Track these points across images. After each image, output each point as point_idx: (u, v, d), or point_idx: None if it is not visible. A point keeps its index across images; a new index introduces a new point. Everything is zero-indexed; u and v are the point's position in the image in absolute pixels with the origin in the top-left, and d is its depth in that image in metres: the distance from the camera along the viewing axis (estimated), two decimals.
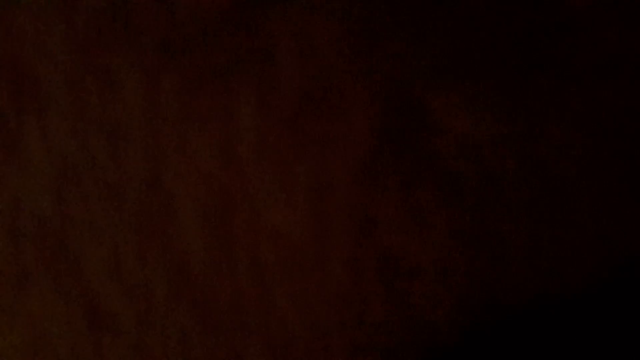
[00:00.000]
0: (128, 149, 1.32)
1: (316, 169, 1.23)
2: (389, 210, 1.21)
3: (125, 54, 1.29)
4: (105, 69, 1.31)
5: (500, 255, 1.21)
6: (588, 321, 1.20)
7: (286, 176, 1.25)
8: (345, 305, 1.29)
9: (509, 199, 1.17)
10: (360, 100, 1.20)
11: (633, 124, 1.13)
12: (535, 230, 1.17)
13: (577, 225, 1.16)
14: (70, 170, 1.37)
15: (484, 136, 1.16)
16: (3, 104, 1.41)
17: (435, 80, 1.16)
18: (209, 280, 1.30)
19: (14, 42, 1.38)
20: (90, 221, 1.37)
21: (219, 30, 1.24)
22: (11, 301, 1.39)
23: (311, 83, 1.23)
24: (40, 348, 1.37)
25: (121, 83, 1.30)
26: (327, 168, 1.23)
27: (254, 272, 1.29)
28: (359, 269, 1.27)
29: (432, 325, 1.24)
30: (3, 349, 1.39)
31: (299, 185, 1.26)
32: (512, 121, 1.15)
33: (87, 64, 1.33)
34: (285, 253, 1.28)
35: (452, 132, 1.16)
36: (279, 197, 1.26)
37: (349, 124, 1.21)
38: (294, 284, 1.29)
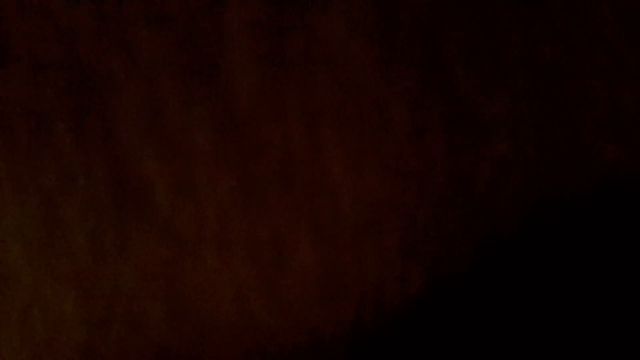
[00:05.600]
0: None
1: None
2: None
3: None
4: None
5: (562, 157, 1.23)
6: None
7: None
8: (405, 178, 1.25)
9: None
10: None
11: None
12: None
13: None
14: None
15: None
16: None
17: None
18: (257, 133, 1.24)
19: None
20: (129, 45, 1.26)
21: None
22: (21, 161, 1.24)
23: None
24: (50, 226, 1.25)
25: None
26: None
27: (306, 122, 1.24)
28: (422, 119, 1.25)
29: (492, 213, 1.23)
30: (6, 229, 1.25)
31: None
32: None
33: None
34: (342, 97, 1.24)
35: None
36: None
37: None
38: (349, 144, 1.24)
